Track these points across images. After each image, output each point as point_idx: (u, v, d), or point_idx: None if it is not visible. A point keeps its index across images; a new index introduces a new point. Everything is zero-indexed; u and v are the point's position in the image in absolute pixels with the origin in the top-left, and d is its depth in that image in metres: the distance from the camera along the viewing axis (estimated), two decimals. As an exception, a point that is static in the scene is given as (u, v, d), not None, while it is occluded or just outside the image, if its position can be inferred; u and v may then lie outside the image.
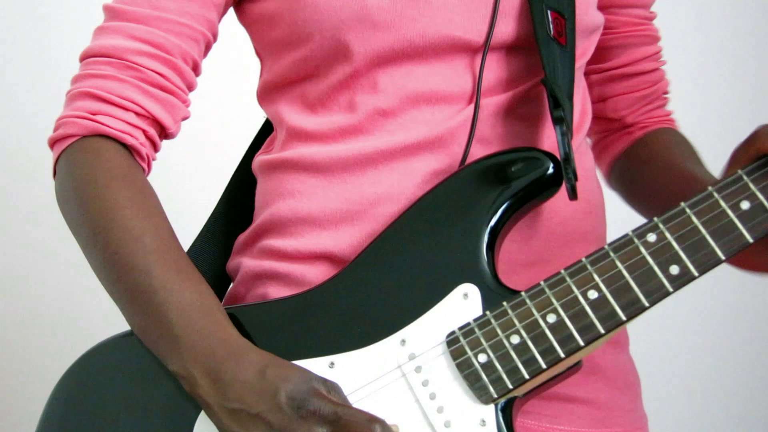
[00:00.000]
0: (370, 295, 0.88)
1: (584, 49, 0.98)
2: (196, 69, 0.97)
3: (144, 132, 0.93)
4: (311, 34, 0.92)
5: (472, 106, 0.92)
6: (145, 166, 0.95)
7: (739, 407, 2.14)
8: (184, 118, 0.98)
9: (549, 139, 0.95)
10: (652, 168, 1.04)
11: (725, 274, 0.89)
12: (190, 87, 0.97)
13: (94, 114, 0.92)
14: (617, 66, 1.08)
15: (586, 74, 1.08)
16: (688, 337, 2.13)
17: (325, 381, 0.80)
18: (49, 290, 1.88)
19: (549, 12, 0.91)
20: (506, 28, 0.92)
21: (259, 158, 1.01)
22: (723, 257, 0.81)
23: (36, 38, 1.86)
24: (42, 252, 1.87)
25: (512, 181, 0.88)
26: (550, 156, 0.88)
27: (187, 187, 1.59)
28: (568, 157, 0.88)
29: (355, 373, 0.85)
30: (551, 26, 0.91)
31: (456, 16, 0.91)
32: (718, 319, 2.14)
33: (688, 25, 1.98)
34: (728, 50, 2.08)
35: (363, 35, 0.90)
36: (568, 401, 0.95)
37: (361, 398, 0.85)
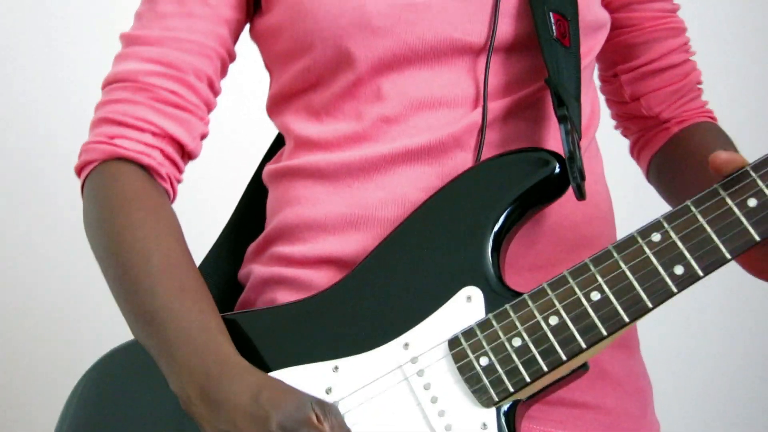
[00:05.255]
0: (374, 299, 0.87)
1: (589, 48, 0.97)
2: (212, 86, 0.98)
3: (161, 151, 0.94)
4: (313, 44, 0.93)
5: (476, 111, 0.92)
6: (167, 186, 0.96)
7: (759, 415, 2.06)
8: (204, 136, 0.99)
9: (556, 141, 0.93)
10: (689, 166, 1.01)
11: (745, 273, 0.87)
12: (208, 104, 0.98)
13: (112, 138, 0.94)
14: (645, 62, 1.05)
15: (617, 75, 1.07)
16: (704, 341, 2.06)
17: (322, 404, 0.79)
18: (51, 293, 1.90)
19: (551, 14, 0.91)
20: (507, 28, 0.92)
21: (268, 168, 1.01)
22: (729, 256, 0.79)
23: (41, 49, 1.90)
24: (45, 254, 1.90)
25: (518, 182, 0.87)
26: (556, 156, 0.87)
27: (203, 200, 1.61)
28: (573, 156, 0.87)
29: (358, 377, 0.85)
30: (554, 28, 0.91)
31: (454, 18, 0.91)
32: (741, 321, 2.06)
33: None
34: (730, 50, 2.03)
35: (364, 42, 0.91)
36: (574, 406, 0.94)
37: (363, 402, 0.84)
